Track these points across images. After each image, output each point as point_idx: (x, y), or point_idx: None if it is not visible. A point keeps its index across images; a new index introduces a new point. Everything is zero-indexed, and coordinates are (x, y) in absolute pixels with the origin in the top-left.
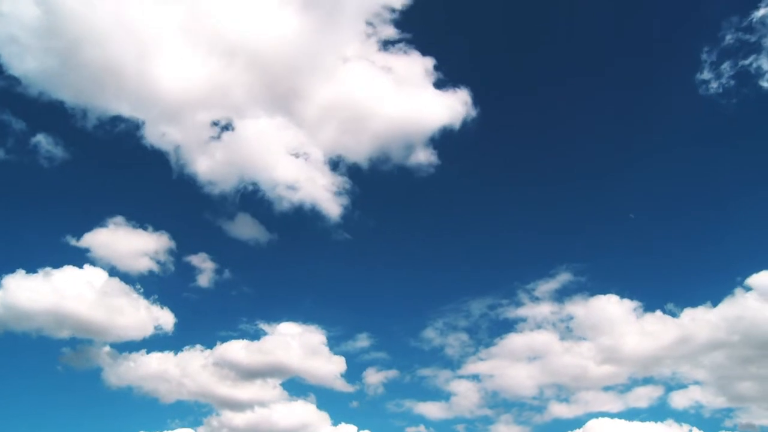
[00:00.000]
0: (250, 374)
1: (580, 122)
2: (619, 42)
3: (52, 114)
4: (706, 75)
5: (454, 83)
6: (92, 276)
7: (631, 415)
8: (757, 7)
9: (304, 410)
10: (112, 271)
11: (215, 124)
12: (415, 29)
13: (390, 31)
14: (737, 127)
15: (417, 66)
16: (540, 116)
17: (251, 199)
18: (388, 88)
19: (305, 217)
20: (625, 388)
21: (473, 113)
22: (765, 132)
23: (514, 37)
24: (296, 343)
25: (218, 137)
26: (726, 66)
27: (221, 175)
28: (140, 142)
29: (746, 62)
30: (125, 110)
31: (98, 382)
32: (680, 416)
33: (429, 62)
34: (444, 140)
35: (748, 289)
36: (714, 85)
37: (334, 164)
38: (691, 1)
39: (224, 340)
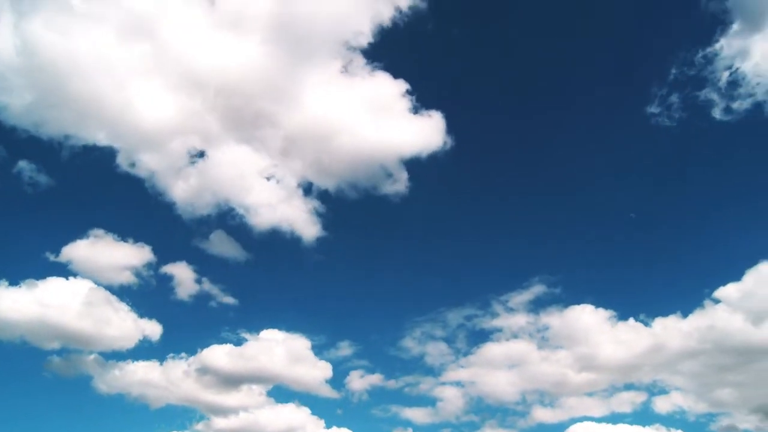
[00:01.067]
0: (235, 381)
1: (547, 143)
2: (580, 74)
3: (33, 143)
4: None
5: (425, 107)
6: (75, 287)
7: (615, 419)
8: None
9: (293, 414)
10: (95, 282)
11: (189, 152)
12: (386, 55)
13: (361, 57)
14: (695, 153)
15: (388, 91)
16: (510, 138)
17: (227, 222)
18: (359, 113)
19: (281, 238)
20: (607, 393)
21: (446, 136)
22: (719, 155)
23: (484, 64)
24: (281, 350)
25: (192, 164)
26: (675, 98)
27: (197, 200)
28: (117, 170)
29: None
30: (103, 139)
31: (86, 390)
32: (665, 420)
33: (401, 87)
34: (416, 161)
35: (717, 301)
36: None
37: (307, 188)
38: (642, 38)
39: (209, 347)
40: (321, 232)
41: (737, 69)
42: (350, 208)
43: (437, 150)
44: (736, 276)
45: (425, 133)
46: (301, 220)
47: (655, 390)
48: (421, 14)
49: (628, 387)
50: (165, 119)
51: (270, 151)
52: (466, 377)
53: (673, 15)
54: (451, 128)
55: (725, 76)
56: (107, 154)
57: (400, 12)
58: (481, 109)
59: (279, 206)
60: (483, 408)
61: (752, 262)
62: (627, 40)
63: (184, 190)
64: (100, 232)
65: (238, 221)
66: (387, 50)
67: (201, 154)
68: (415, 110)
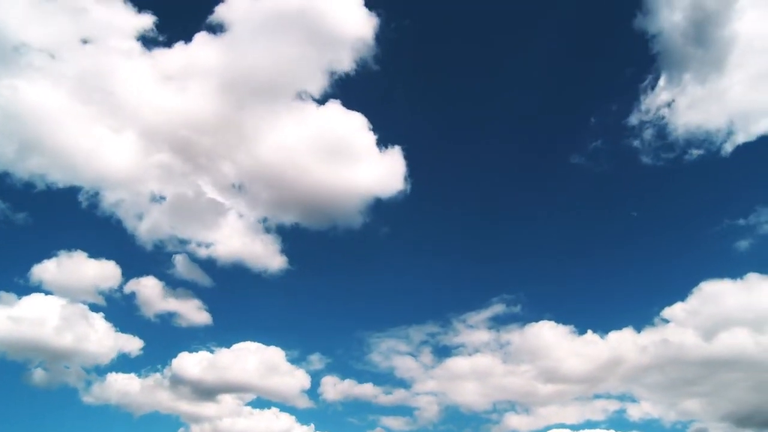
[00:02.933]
0: (213, 390)
1: (499, 174)
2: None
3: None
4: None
5: (383, 143)
6: (49, 304)
7: (590, 426)
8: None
9: (272, 422)
10: (69, 299)
11: (151, 193)
12: (346, 92)
13: (321, 92)
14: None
15: (349, 127)
16: (465, 169)
17: (190, 253)
18: (319, 150)
19: (244, 269)
20: (579, 403)
21: (404, 168)
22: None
23: (437, 104)
24: (256, 361)
25: (156, 202)
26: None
27: (159, 235)
28: (81, 205)
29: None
30: (67, 179)
31: (71, 401)
32: (640, 427)
33: (361, 123)
34: (376, 194)
35: (667, 321)
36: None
37: (267, 224)
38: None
39: (184, 359)
40: (284, 264)
41: (662, 119)
42: (311, 240)
43: (396, 181)
44: (682, 296)
45: (384, 166)
46: (263, 253)
47: (625, 399)
48: (370, 59)
49: (598, 396)
50: (125, 163)
51: (228, 189)
52: (437, 388)
53: (602, 68)
54: (409, 161)
55: (650, 128)
56: (73, 192)
57: (353, 58)
58: (436, 144)
59: (240, 240)
60: (457, 416)
61: (695, 282)
62: (562, 90)
63: (146, 227)
64: (70, 251)
65: (201, 254)
66: (341, 91)
67: (161, 198)
68: (376, 146)
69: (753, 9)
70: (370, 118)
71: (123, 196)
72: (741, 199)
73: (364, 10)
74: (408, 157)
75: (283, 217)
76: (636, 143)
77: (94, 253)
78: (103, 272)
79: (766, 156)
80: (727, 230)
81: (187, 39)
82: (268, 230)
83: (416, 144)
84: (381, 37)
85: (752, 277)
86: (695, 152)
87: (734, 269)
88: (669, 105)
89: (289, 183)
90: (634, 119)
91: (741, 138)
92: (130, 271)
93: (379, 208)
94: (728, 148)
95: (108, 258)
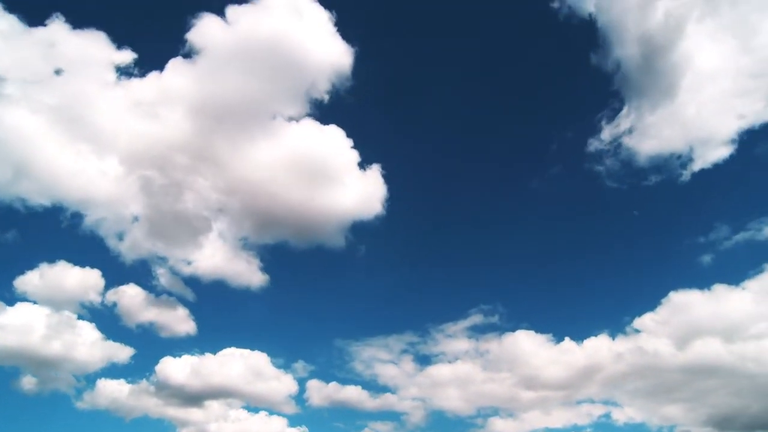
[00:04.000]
0: (202, 396)
1: (477, 190)
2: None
3: None
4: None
5: (365, 163)
6: (35, 313)
7: (577, 430)
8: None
9: (261, 426)
10: (54, 308)
11: (132, 214)
12: (322, 113)
13: (298, 114)
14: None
15: (327, 147)
16: (444, 187)
17: (173, 269)
18: (297, 170)
19: (224, 286)
20: (563, 407)
21: (383, 186)
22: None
23: (416, 127)
24: (243, 367)
25: (137, 222)
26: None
27: (141, 253)
28: (62, 224)
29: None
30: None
31: (58, 408)
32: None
33: (340, 142)
34: (356, 214)
35: (638, 330)
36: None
37: (248, 242)
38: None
39: (172, 365)
40: (265, 281)
41: (622, 146)
42: (292, 257)
43: (376, 200)
44: (653, 306)
45: (364, 186)
46: (244, 271)
47: (609, 404)
48: (346, 85)
49: (582, 402)
50: (105, 185)
51: (208, 209)
52: (421, 394)
53: (562, 100)
54: (388, 180)
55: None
56: (56, 212)
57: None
58: (413, 163)
59: (221, 258)
60: (443, 421)
61: (665, 292)
62: (528, 117)
63: (127, 245)
64: (52, 263)
65: (183, 270)
66: (318, 112)
67: (140, 217)
68: (356, 165)
69: (699, 36)
70: (350, 136)
71: (104, 215)
72: (701, 217)
73: (338, 37)
74: (387, 175)
75: (263, 236)
76: (599, 168)
77: (79, 262)
78: (87, 281)
79: (722, 177)
80: (690, 246)
81: (161, 66)
82: (248, 248)
83: (394, 162)
84: (356, 63)
85: (719, 288)
86: (655, 177)
87: (701, 281)
88: (628, 132)
89: (269, 203)
90: (595, 146)
91: (699, 162)
92: (113, 280)
93: (359, 227)
94: (687, 171)
95: (92, 266)
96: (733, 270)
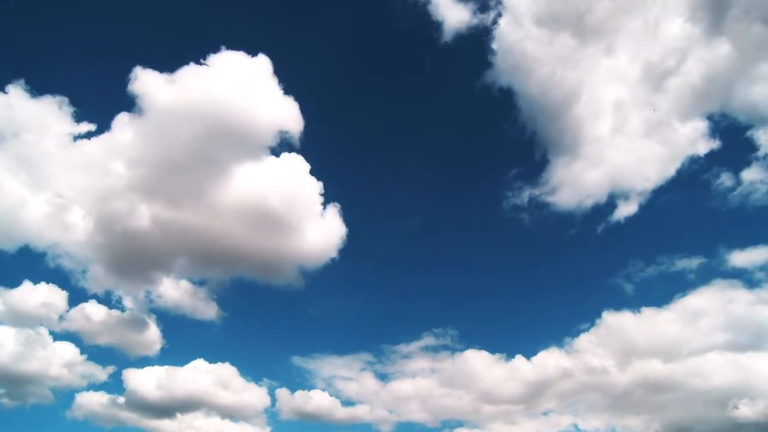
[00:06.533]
0: (173, 407)
1: (426, 230)
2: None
3: None
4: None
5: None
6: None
7: None
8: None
9: None
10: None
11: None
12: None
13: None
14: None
15: (282, 189)
16: (401, 223)
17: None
18: (251, 215)
19: (183, 318)
20: (528, 418)
21: (341, 225)
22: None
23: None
24: (211, 380)
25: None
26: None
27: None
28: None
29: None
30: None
31: (39, 421)
32: None
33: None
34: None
35: (578, 350)
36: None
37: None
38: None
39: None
40: (221, 314)
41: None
42: (248, 293)
43: (332, 241)
44: (588, 327)
45: (320, 224)
46: (201, 307)
47: (575, 414)
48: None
49: (547, 412)
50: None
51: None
52: (386, 407)
53: (486, 162)
54: (345, 217)
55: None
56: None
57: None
58: (374, 200)
59: (179, 295)
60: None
61: (598, 314)
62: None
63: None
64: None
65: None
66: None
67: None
68: (316, 207)
69: (590, 99)
70: (310, 174)
71: (67, 254)
72: (617, 255)
73: (282, 95)
74: (344, 214)
75: (219, 273)
76: (523, 216)
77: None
78: (52, 298)
79: (632, 223)
80: (614, 276)
81: (110, 123)
82: (203, 285)
83: (349, 203)
84: (304, 121)
85: (647, 311)
86: (573, 229)
87: (630, 304)
88: (547, 188)
89: (221, 245)
90: (523, 199)
91: (615, 211)
92: (77, 300)
93: (313, 266)
94: (602, 222)
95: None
96: (651, 296)
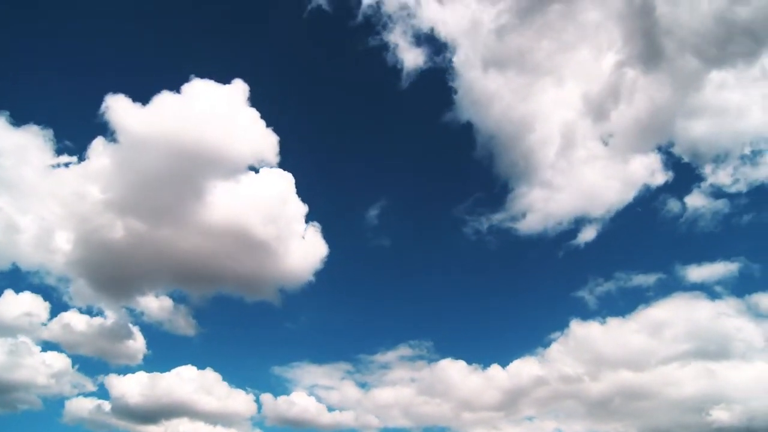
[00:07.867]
0: (159, 413)
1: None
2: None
3: None
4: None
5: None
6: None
7: None
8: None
9: None
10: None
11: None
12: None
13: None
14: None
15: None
16: (373, 244)
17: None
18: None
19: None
20: (511, 424)
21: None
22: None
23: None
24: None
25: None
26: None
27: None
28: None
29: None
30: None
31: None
32: None
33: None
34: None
35: (548, 359)
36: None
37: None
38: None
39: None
40: (199, 330)
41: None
42: (225, 309)
43: (313, 259)
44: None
45: (298, 244)
46: (181, 324)
47: (558, 418)
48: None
49: (530, 418)
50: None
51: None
52: (369, 414)
53: (454, 190)
54: (325, 235)
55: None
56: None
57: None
58: (352, 221)
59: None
60: None
61: (567, 322)
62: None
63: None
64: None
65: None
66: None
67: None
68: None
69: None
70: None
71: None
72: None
73: (263, 126)
74: (324, 234)
75: (198, 291)
76: (489, 239)
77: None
78: (35, 307)
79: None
80: (580, 290)
81: (86, 151)
82: (183, 302)
83: (328, 223)
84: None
85: (612, 321)
86: (534, 252)
87: (595, 315)
88: (507, 215)
89: (202, 265)
90: (483, 224)
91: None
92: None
93: (292, 285)
94: (565, 241)
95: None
96: (614, 307)
